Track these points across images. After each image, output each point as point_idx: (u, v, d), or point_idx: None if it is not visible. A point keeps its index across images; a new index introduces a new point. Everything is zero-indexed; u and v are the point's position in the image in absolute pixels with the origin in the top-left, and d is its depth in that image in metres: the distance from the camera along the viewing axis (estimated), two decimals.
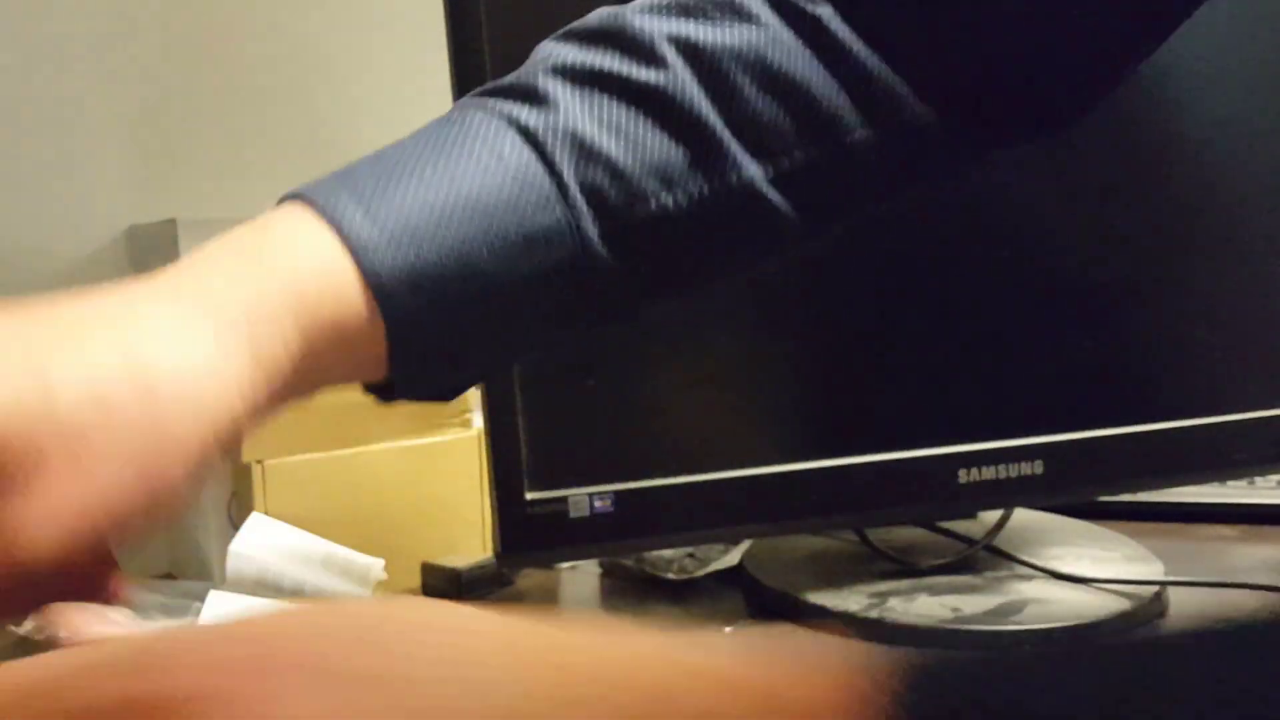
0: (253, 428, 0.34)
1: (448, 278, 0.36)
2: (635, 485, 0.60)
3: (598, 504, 0.59)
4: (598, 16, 0.42)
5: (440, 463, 0.73)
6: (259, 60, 0.86)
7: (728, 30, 0.40)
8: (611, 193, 0.38)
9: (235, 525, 0.71)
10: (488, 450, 0.59)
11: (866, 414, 0.64)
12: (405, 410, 0.74)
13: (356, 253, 0.35)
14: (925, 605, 0.62)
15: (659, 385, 0.62)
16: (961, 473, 0.64)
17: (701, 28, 0.40)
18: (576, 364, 0.60)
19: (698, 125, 0.40)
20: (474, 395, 0.76)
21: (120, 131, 0.80)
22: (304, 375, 0.35)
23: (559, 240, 0.38)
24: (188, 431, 0.32)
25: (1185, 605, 0.64)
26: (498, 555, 0.60)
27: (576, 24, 0.42)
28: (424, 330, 0.36)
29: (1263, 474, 0.76)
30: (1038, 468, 0.65)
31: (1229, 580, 0.65)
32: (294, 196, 0.36)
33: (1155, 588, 0.63)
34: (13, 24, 0.76)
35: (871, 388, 0.64)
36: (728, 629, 0.63)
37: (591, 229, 0.38)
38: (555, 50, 0.41)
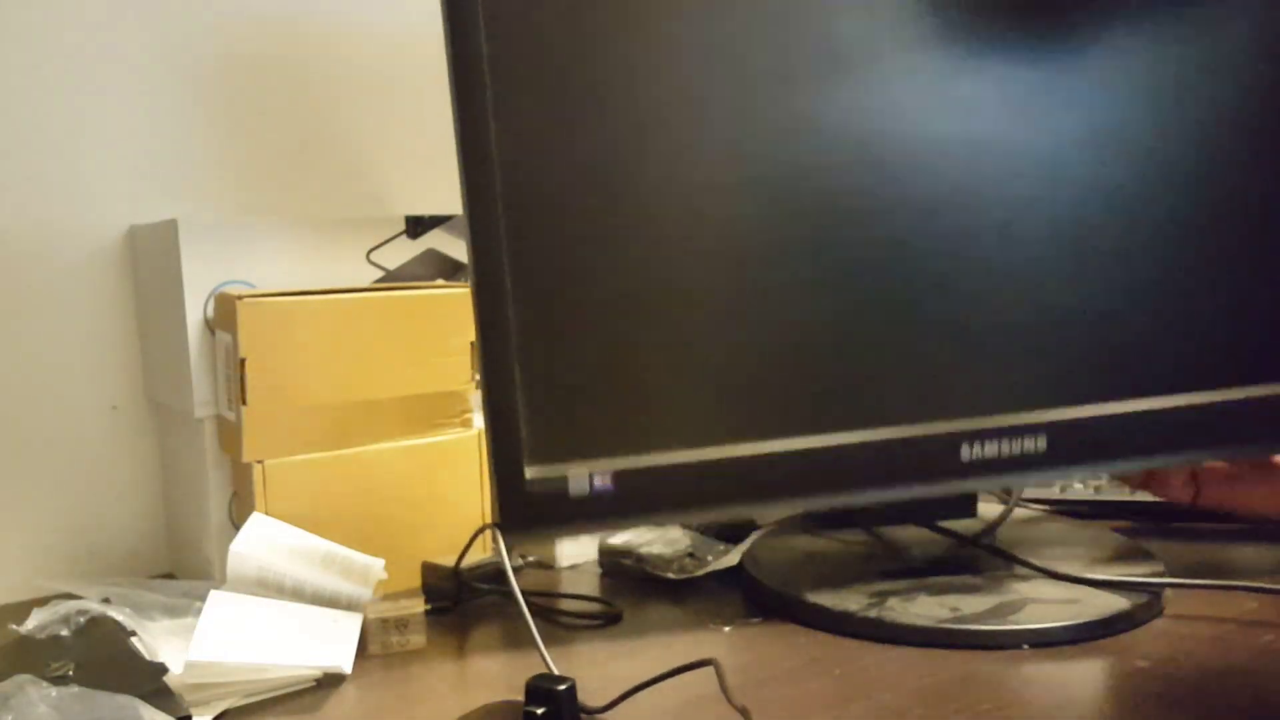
0: None
1: None
2: (635, 463, 0.60)
3: (597, 482, 0.59)
4: None
5: (440, 463, 0.73)
6: (259, 60, 0.86)
7: None
8: None
9: (235, 525, 0.71)
10: (487, 427, 0.58)
11: (869, 391, 0.64)
12: (405, 410, 0.75)
13: None
14: (925, 605, 0.62)
15: (658, 362, 0.61)
16: (964, 449, 0.64)
17: None
18: (576, 341, 0.60)
19: None
20: (474, 395, 0.76)
21: (120, 131, 0.80)
22: None
23: None
24: None
25: (1185, 605, 0.64)
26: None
27: None
28: None
29: (1274, 452, 0.75)
30: (1041, 444, 0.65)
31: (1229, 580, 0.65)
32: None
33: (1155, 588, 0.64)
34: (13, 24, 0.76)
35: (874, 364, 0.64)
36: (727, 629, 0.63)
37: None
38: None
